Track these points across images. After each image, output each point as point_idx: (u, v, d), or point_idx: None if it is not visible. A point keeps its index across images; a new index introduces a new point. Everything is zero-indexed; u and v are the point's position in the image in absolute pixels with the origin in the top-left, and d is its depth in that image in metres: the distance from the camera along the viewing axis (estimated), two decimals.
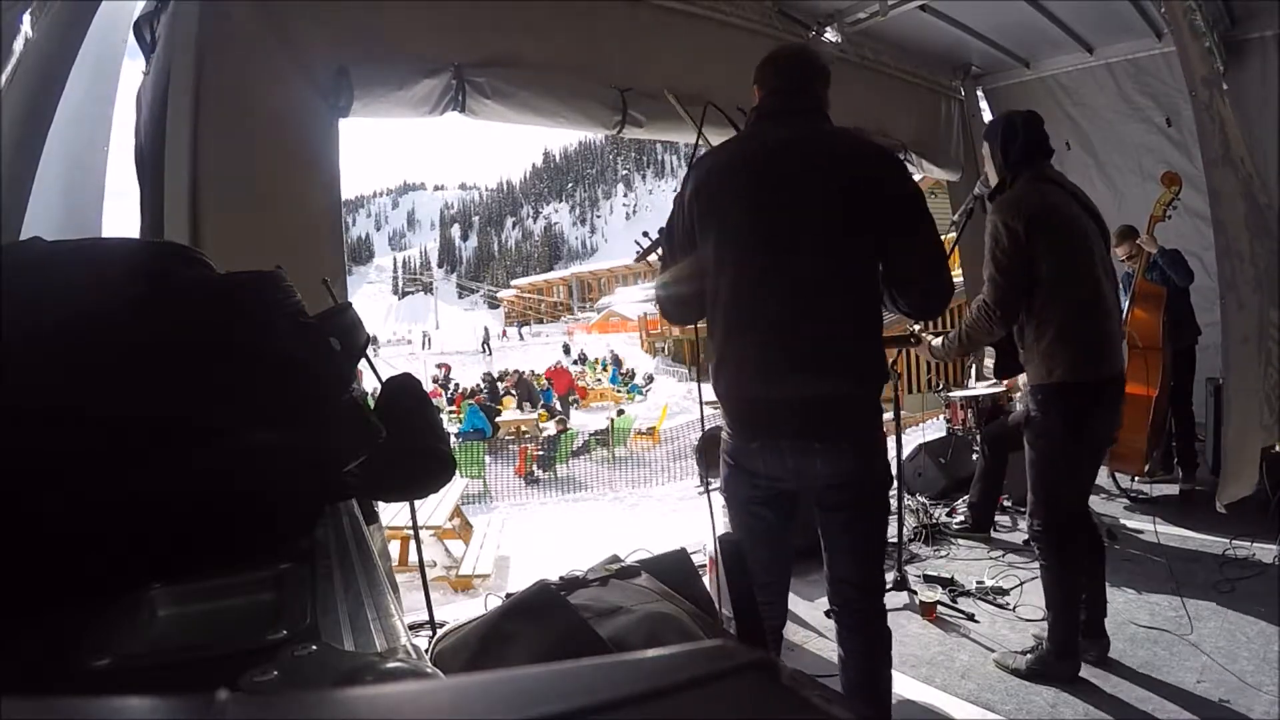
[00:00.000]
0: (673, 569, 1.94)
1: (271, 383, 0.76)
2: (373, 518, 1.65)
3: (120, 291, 0.70)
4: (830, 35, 3.55)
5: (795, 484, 1.44)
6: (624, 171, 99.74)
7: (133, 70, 2.14)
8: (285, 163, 2.22)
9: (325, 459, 0.83)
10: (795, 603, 2.66)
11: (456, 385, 18.82)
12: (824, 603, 1.57)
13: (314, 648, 0.50)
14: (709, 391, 1.58)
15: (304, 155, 2.25)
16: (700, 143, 2.10)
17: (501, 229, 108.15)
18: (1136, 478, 3.54)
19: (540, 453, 10.28)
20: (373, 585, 0.72)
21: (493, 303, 69.48)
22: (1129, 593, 2.52)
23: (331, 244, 2.31)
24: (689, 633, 1.59)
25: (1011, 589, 2.65)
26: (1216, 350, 2.66)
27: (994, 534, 3.26)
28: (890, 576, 2.73)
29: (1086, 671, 2.04)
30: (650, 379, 20.58)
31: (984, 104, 4.69)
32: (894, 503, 3.06)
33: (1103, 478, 3.26)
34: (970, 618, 2.48)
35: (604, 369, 22.93)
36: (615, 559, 1.92)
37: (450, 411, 14.21)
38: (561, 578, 1.73)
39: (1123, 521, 3.24)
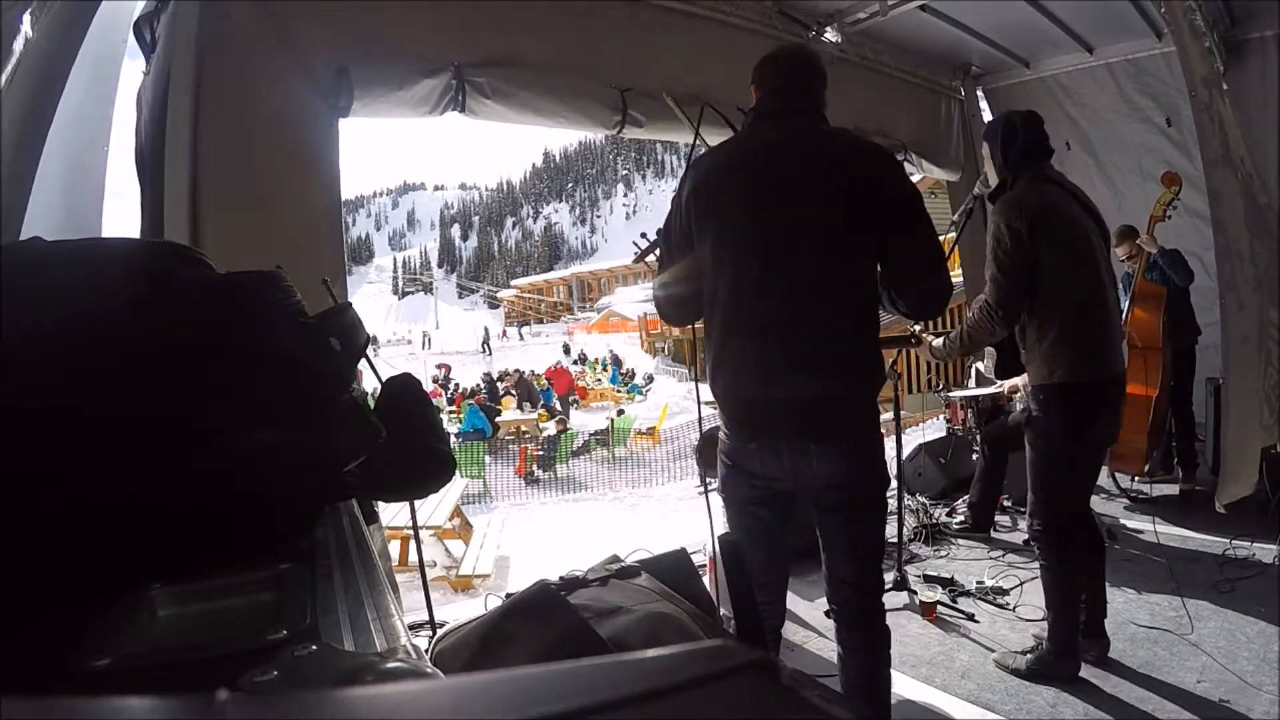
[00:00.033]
0: (673, 569, 1.94)
1: (271, 383, 0.76)
2: (373, 518, 1.65)
3: (120, 291, 0.70)
4: (830, 35, 3.55)
5: (793, 484, 1.44)
6: (624, 171, 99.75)
7: (133, 70, 2.14)
8: (285, 163, 2.22)
9: (325, 459, 0.83)
10: (795, 603, 2.66)
11: (456, 385, 18.82)
12: (824, 603, 1.57)
13: (314, 648, 0.50)
14: (707, 392, 1.58)
15: (304, 155, 2.25)
16: (698, 143, 2.10)
17: (501, 229, 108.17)
18: (1136, 478, 3.54)
19: (540, 453, 10.28)
20: (373, 585, 0.72)
21: (493, 303, 69.49)
22: (1129, 593, 2.52)
23: (331, 244, 2.31)
24: (689, 633, 1.59)
25: (1011, 589, 2.65)
26: (1216, 350, 2.66)
27: (994, 534, 3.26)
28: (890, 576, 2.73)
29: (1086, 671, 2.04)
30: (650, 379, 20.59)
31: (984, 104, 4.69)
32: (894, 503, 3.06)
33: (1103, 478, 3.26)
34: (970, 618, 2.48)
35: (604, 369, 22.93)
36: (615, 559, 1.93)
37: (450, 411, 14.21)
38: (561, 578, 1.73)
39: (1123, 521, 3.24)
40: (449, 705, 0.23)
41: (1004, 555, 3.03)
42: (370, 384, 1.51)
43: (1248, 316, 2.52)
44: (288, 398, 0.77)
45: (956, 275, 4.98)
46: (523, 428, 12.50)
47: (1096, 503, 3.32)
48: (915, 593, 2.67)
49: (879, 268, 1.43)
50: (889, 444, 3.13)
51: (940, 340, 2.19)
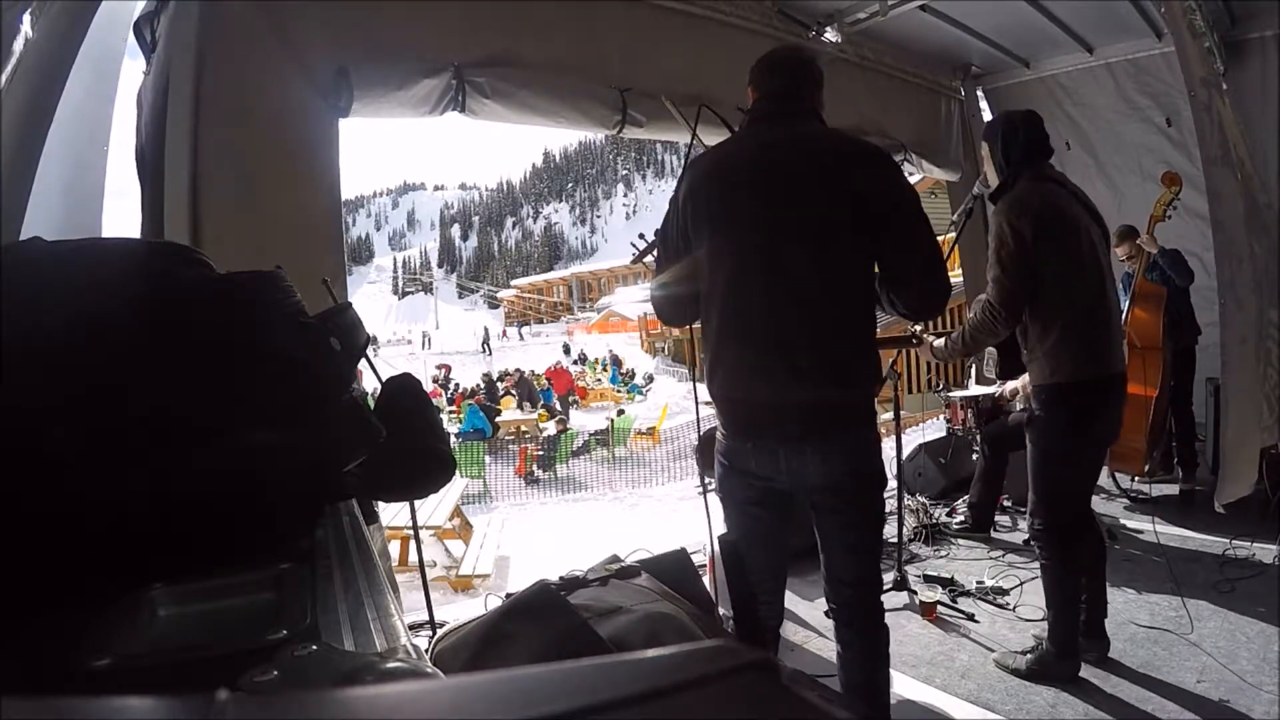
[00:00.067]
0: (673, 569, 1.94)
1: (271, 383, 0.76)
2: (373, 518, 1.65)
3: (120, 292, 0.70)
4: (830, 35, 3.55)
5: (789, 485, 1.44)
6: (624, 171, 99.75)
7: (133, 70, 2.14)
8: (285, 163, 2.22)
9: (325, 459, 0.83)
10: (795, 603, 2.66)
11: (456, 385, 18.82)
12: (824, 603, 1.57)
13: (314, 648, 0.50)
14: (706, 392, 1.58)
15: (304, 155, 2.25)
16: (695, 144, 2.10)
17: (501, 229, 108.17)
18: (1136, 478, 3.54)
19: (540, 453, 10.29)
20: (373, 585, 0.72)
21: (493, 303, 69.50)
22: (1129, 593, 2.52)
23: (331, 244, 2.31)
24: (689, 633, 1.59)
25: (1011, 589, 2.65)
26: (1216, 350, 2.66)
27: (994, 534, 3.26)
28: (890, 576, 2.73)
29: (1086, 671, 2.04)
30: (650, 379, 20.59)
31: (984, 104, 4.69)
32: (893, 503, 3.07)
33: (1103, 478, 3.26)
34: (970, 618, 2.48)
35: (604, 369, 22.93)
36: (615, 559, 1.93)
37: (450, 411, 14.21)
38: (561, 578, 1.73)
39: (1123, 521, 3.24)
40: (449, 705, 0.23)
41: (1004, 555, 3.03)
42: (370, 384, 1.51)
43: (1246, 316, 2.52)
44: (288, 398, 0.77)
45: (956, 275, 4.99)
46: (523, 428, 12.50)
47: (1096, 503, 3.32)
48: (915, 593, 2.67)
49: (877, 269, 1.43)
50: (889, 444, 3.15)
51: (941, 340, 2.19)
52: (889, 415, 3.15)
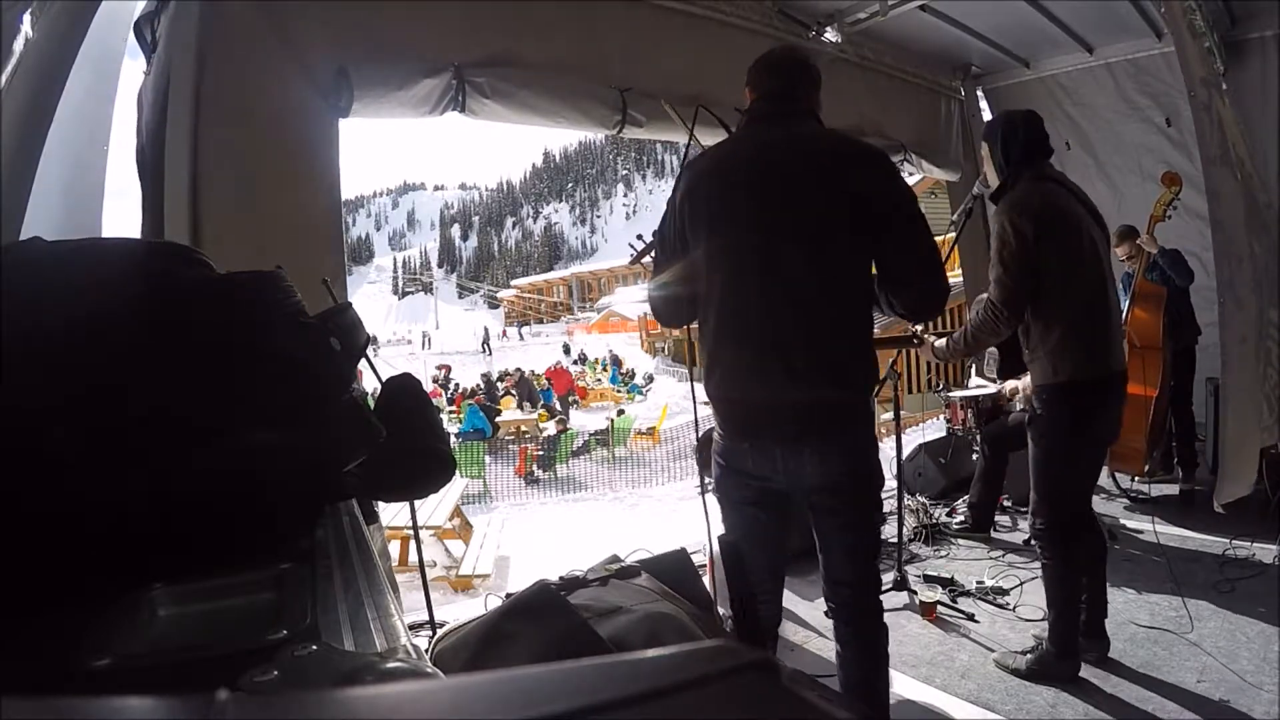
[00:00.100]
0: (673, 569, 1.94)
1: (271, 383, 0.76)
2: (373, 518, 1.65)
3: (120, 292, 0.70)
4: (830, 35, 3.55)
5: (786, 485, 1.44)
6: (624, 171, 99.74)
7: (134, 70, 2.14)
8: (285, 163, 2.22)
9: (325, 459, 0.83)
10: (795, 603, 2.66)
11: (456, 385, 18.82)
12: (824, 602, 1.57)
13: (314, 648, 0.50)
14: (704, 392, 1.58)
15: (304, 155, 2.25)
16: (693, 145, 2.10)
17: (501, 229, 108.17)
18: (1136, 478, 3.54)
19: (540, 453, 10.29)
20: (373, 585, 0.72)
21: (493, 303, 69.51)
22: (1129, 593, 2.52)
23: (331, 244, 2.31)
24: (689, 633, 1.59)
25: (1011, 589, 2.65)
26: (1216, 350, 2.66)
27: (994, 534, 3.26)
28: (890, 576, 2.73)
29: (1086, 671, 2.04)
30: (650, 379, 20.58)
31: (984, 104, 4.69)
32: (893, 503, 3.07)
33: (1103, 478, 3.26)
34: (970, 618, 2.48)
35: (604, 369, 22.93)
36: (615, 559, 1.93)
37: (450, 411, 14.21)
38: (561, 578, 1.73)
39: (1123, 521, 3.24)
40: (449, 705, 0.23)
41: (1004, 555, 3.03)
42: (370, 384, 1.51)
43: (1246, 316, 2.52)
44: (288, 398, 0.77)
45: (956, 275, 5.00)
46: (523, 428, 12.50)
47: (1096, 503, 3.32)
48: (915, 593, 2.67)
49: (876, 270, 1.43)
50: (889, 444, 3.15)
51: (943, 340, 2.19)
52: (889, 415, 3.15)
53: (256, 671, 0.45)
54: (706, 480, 2.26)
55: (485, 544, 4.80)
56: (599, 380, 21.28)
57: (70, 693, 0.36)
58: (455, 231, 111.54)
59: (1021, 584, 2.67)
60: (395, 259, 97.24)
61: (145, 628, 0.59)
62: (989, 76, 4.61)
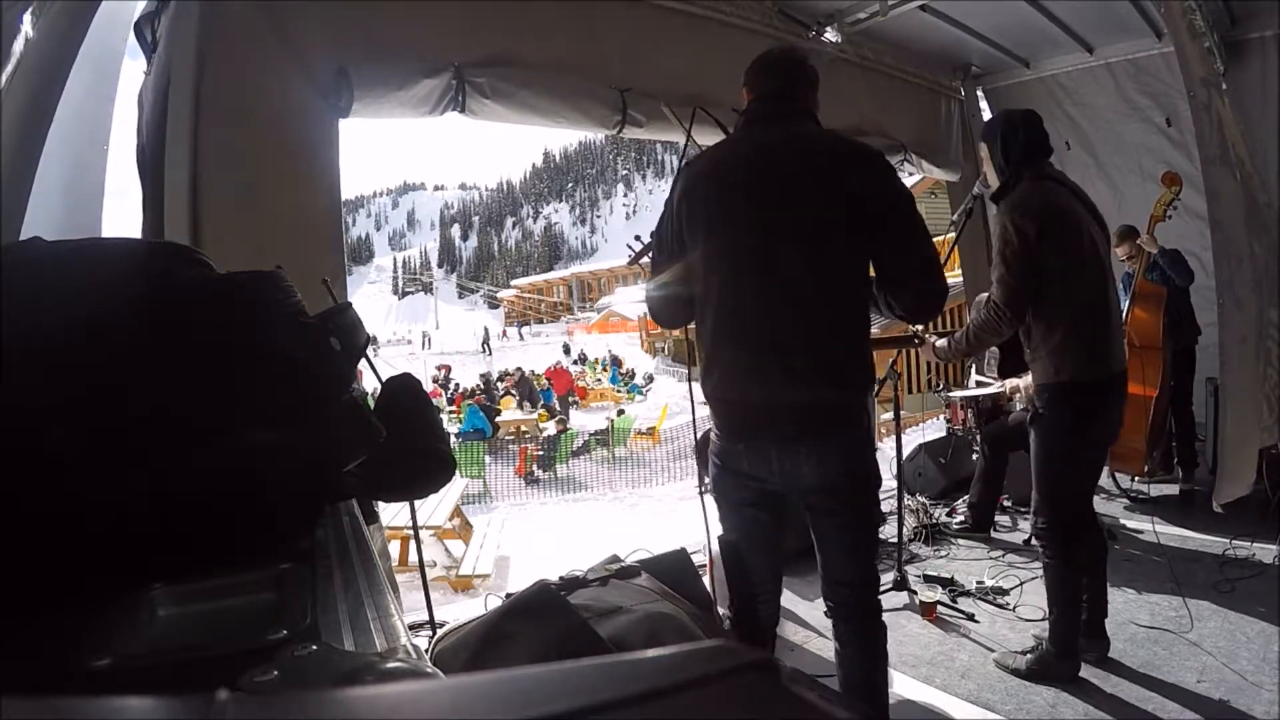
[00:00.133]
0: (673, 569, 1.94)
1: (271, 383, 0.76)
2: (373, 518, 1.65)
3: (120, 292, 0.70)
4: (830, 35, 3.55)
5: (782, 485, 1.45)
6: (624, 171, 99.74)
7: (133, 70, 2.15)
8: (285, 163, 2.22)
9: (325, 459, 0.83)
10: (795, 603, 2.66)
11: (456, 385, 18.82)
12: (823, 602, 1.58)
13: (314, 648, 0.50)
14: (700, 392, 1.58)
15: (304, 155, 2.25)
16: (690, 146, 2.10)
17: (501, 229, 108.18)
18: (1136, 478, 3.54)
19: (540, 453, 10.29)
20: (373, 585, 0.72)
21: (493, 303, 69.54)
22: (1129, 593, 2.52)
23: (331, 244, 2.31)
24: (689, 632, 1.59)
25: (1011, 589, 2.65)
26: (1216, 350, 2.66)
27: (994, 534, 3.26)
28: (890, 576, 2.73)
29: (1086, 671, 2.04)
30: (650, 379, 20.58)
31: (984, 104, 4.69)
32: (893, 503, 3.07)
33: (1103, 478, 3.27)
34: (970, 618, 2.48)
35: (604, 369, 22.93)
36: (615, 559, 1.93)
37: (450, 411, 14.21)
38: (561, 578, 1.73)
39: (1123, 521, 3.24)
40: (449, 705, 0.23)
41: (1004, 555, 3.03)
42: (370, 384, 1.51)
43: (1246, 316, 2.52)
44: (288, 398, 0.77)
45: (955, 276, 5.00)
46: (523, 428, 12.50)
47: (1096, 503, 3.33)
48: (915, 593, 2.67)
49: (874, 271, 1.43)
50: (889, 444, 3.15)
51: (944, 340, 2.19)
52: (889, 415, 3.15)
53: (256, 671, 0.45)
54: (706, 480, 2.26)
55: (485, 544, 4.80)
56: (599, 380, 21.28)
57: (70, 693, 0.36)
58: (455, 231, 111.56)
59: (1021, 584, 2.67)
60: (395, 259, 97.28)
61: (145, 628, 0.59)
62: (989, 76, 4.61)
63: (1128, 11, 3.61)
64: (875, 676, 1.52)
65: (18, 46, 1.39)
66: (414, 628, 2.17)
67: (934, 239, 1.47)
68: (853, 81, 3.81)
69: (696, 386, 1.69)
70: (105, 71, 1.95)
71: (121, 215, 2.06)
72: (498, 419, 12.80)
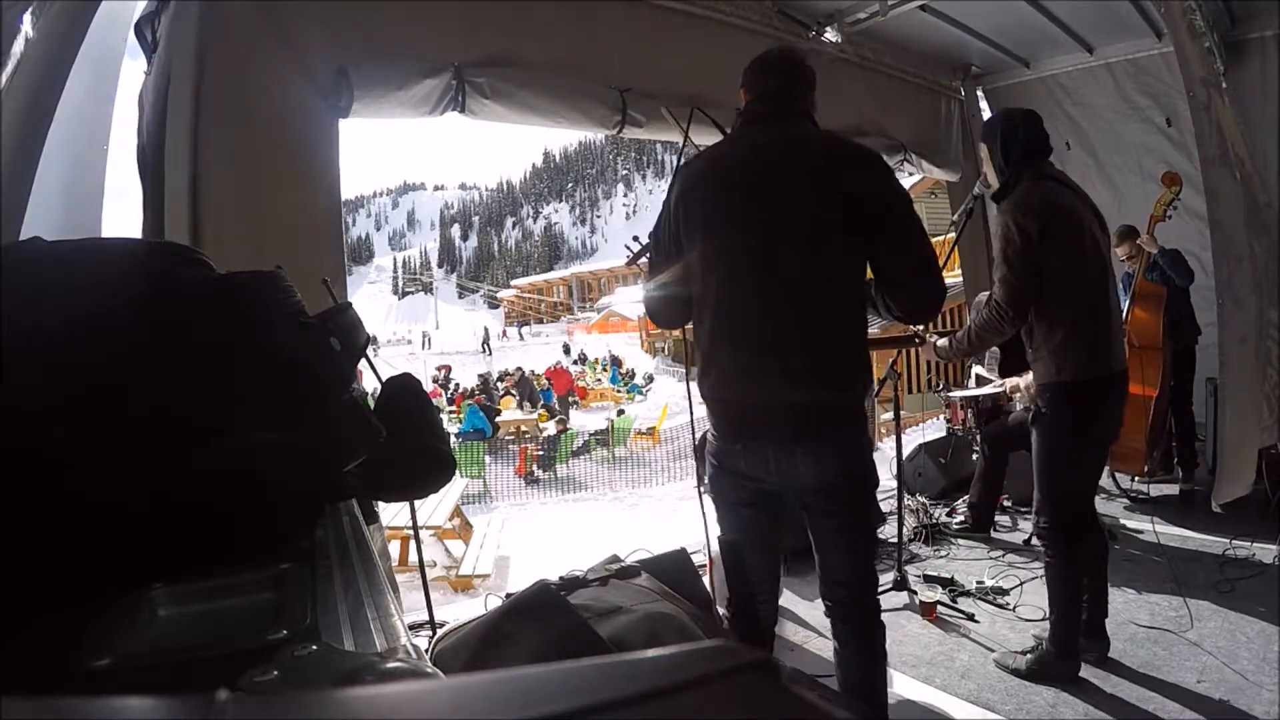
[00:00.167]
0: (673, 569, 1.94)
1: (271, 383, 0.76)
2: (373, 518, 1.65)
3: (120, 291, 0.70)
4: (830, 35, 3.55)
5: (779, 486, 1.45)
6: (624, 171, 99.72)
7: (134, 70, 2.15)
8: (285, 163, 2.22)
9: (325, 459, 0.83)
10: (795, 603, 2.66)
11: (456, 385, 18.82)
12: (822, 602, 1.58)
13: (314, 648, 0.50)
14: (698, 393, 1.59)
15: (304, 155, 2.25)
16: (688, 147, 2.10)
17: (501, 229, 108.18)
18: (1136, 478, 3.54)
19: (540, 453, 10.29)
20: (373, 585, 0.72)
21: (493, 303, 69.55)
22: (1129, 593, 2.52)
23: (331, 244, 2.31)
24: (689, 632, 1.59)
25: (1011, 589, 2.65)
26: (1216, 350, 2.66)
27: (994, 534, 3.26)
28: (890, 576, 2.73)
29: (1086, 671, 2.04)
30: (650, 379, 20.59)
31: (984, 104, 4.69)
32: (893, 503, 3.06)
33: (1103, 478, 3.27)
34: (970, 618, 2.48)
35: (604, 369, 22.94)
36: (615, 559, 1.93)
37: (450, 411, 14.21)
38: (561, 578, 1.74)
39: (1123, 521, 3.24)
40: (449, 705, 0.23)
41: (1004, 555, 3.03)
42: (370, 384, 1.51)
43: (1245, 316, 2.52)
44: (288, 398, 0.77)
45: (956, 276, 5.00)
46: (523, 428, 12.49)
47: (1096, 503, 3.33)
48: (915, 593, 2.67)
49: (871, 272, 1.43)
50: (889, 444, 3.15)
51: (945, 340, 2.19)
52: (889, 415, 3.15)
53: (256, 671, 0.45)
54: (705, 480, 2.27)
55: (485, 544, 4.79)
56: (599, 380, 21.28)
57: (70, 693, 0.36)
58: (455, 231, 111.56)
59: (1021, 584, 2.67)
60: (395, 259, 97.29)
61: (145, 628, 0.59)
62: (989, 76, 4.61)
63: (1128, 11, 3.61)
64: (874, 676, 1.52)
65: (18, 46, 1.39)
66: (414, 628, 2.17)
67: (934, 239, 1.47)
68: (853, 81, 3.81)
69: (689, 387, 1.69)
70: (105, 71, 1.95)
71: (121, 215, 2.06)
72: (498, 419, 12.80)
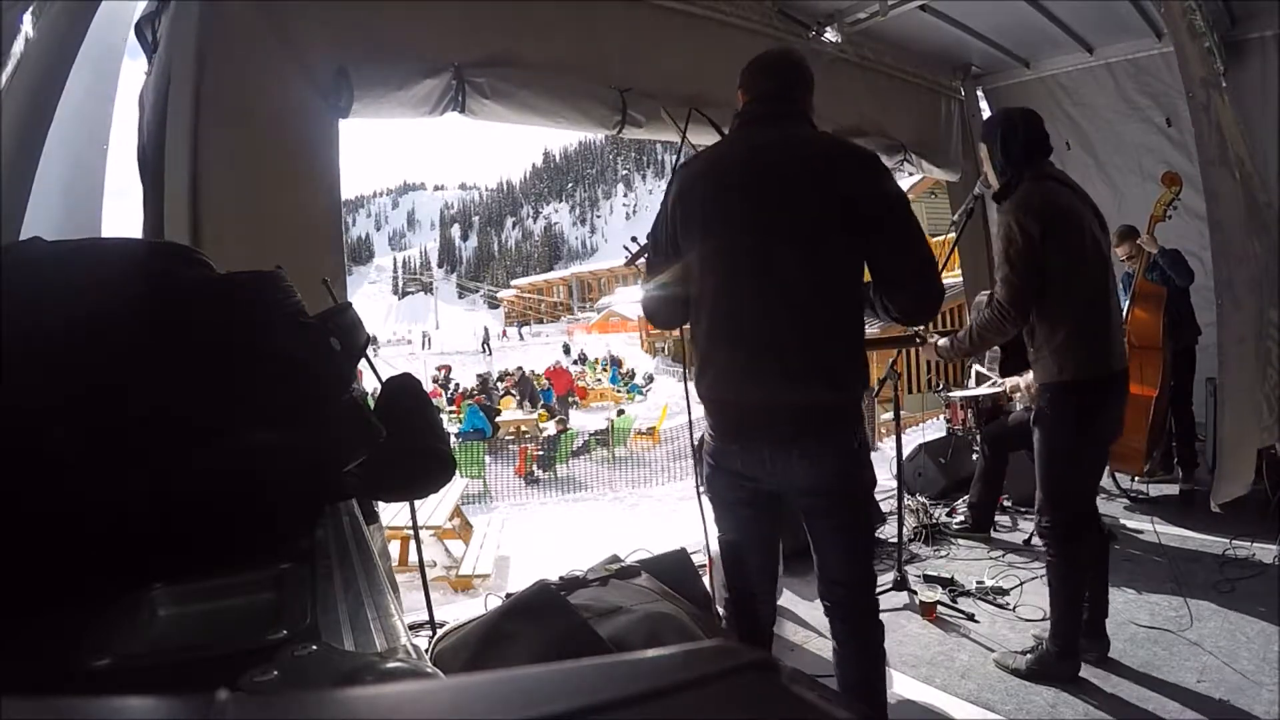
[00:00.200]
0: (673, 569, 1.95)
1: (271, 383, 0.76)
2: (373, 518, 1.65)
3: (120, 292, 0.70)
4: (830, 35, 3.55)
5: (776, 486, 1.45)
6: (624, 171, 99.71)
7: (134, 70, 2.15)
8: (285, 163, 2.22)
9: (325, 459, 0.83)
10: (795, 603, 2.66)
11: (456, 385, 18.82)
12: (820, 602, 1.58)
13: (314, 648, 0.50)
14: (695, 393, 1.59)
15: (304, 155, 2.25)
16: (686, 148, 2.10)
17: (501, 229, 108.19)
18: (1136, 478, 3.54)
19: (540, 453, 10.29)
20: (373, 585, 0.72)
21: (493, 303, 69.55)
22: (1129, 593, 2.52)
23: (331, 244, 2.31)
24: (689, 632, 1.60)
25: (1011, 589, 2.64)
26: (1216, 350, 2.66)
27: (994, 534, 3.26)
28: (890, 576, 2.73)
29: (1086, 671, 2.04)
30: (650, 379, 20.60)
31: (984, 104, 4.69)
32: (893, 503, 3.06)
33: (1103, 478, 3.27)
34: (970, 618, 2.48)
35: (604, 369, 22.94)
36: (615, 559, 1.93)
37: (450, 411, 14.22)
38: (561, 578, 1.74)
39: (1123, 521, 3.24)
40: (449, 705, 0.23)
41: (1004, 555, 3.03)
42: (370, 384, 1.51)
43: (1245, 316, 2.52)
44: (288, 398, 0.77)
45: (956, 276, 5.00)
46: (523, 428, 12.50)
47: (1097, 503, 3.33)
48: (915, 593, 2.67)
49: (870, 273, 1.42)
50: (889, 444, 3.15)
51: (946, 340, 2.19)
52: (889, 415, 3.15)
53: (256, 671, 0.45)
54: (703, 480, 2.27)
55: (485, 544, 4.79)
56: (599, 380, 21.28)
57: (70, 693, 0.36)
58: (455, 231, 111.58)
59: (1021, 584, 2.66)
60: (395, 259, 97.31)
61: (145, 628, 0.59)
62: (989, 76, 4.61)
63: (1128, 11, 3.61)
64: (873, 676, 1.52)
65: (18, 46, 1.39)
66: (414, 628, 2.17)
67: (934, 239, 1.47)
68: (853, 81, 3.81)
69: (687, 387, 1.69)
70: (105, 71, 1.95)
71: (121, 215, 2.06)
72: (498, 419, 12.80)
